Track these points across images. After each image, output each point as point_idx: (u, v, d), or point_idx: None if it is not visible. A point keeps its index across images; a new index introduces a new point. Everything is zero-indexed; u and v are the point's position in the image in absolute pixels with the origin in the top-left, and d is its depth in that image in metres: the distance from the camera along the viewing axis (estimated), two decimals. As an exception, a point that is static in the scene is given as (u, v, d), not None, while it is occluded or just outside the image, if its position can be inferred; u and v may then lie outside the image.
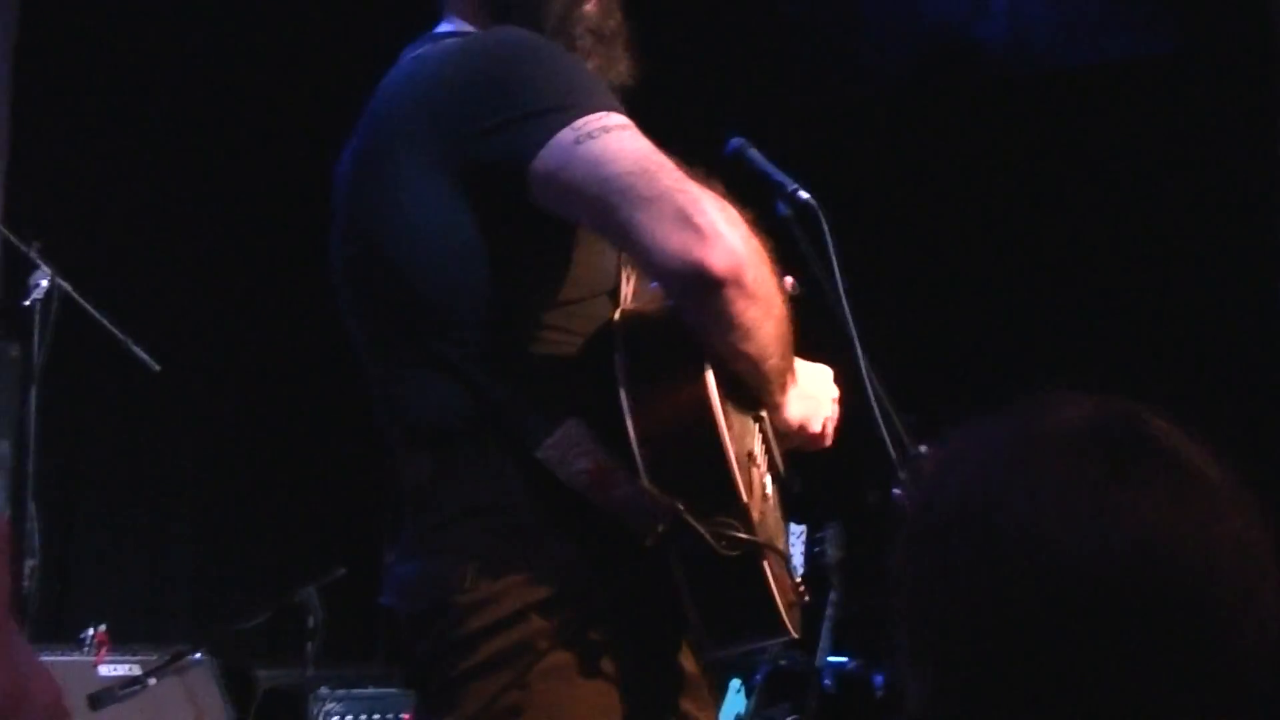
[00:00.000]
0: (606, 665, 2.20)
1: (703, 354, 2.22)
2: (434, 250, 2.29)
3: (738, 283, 2.14)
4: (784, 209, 3.37)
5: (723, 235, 2.12)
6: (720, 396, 2.21)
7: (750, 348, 2.23)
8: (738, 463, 2.20)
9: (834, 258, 3.40)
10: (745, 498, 2.17)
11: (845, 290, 3.43)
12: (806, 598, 2.37)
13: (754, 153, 3.46)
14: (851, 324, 3.34)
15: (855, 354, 3.31)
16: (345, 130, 2.56)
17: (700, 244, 2.11)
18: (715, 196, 2.19)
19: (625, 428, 2.17)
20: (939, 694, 1.16)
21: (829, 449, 2.70)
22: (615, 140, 2.18)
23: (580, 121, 2.18)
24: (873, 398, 3.27)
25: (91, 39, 6.51)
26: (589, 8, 2.49)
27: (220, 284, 7.12)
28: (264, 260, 7.15)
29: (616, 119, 2.22)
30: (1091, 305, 6.30)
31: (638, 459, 2.16)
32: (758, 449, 2.37)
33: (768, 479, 2.40)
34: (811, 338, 3.29)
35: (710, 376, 2.20)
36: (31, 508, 4.74)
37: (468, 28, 2.48)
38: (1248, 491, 1.17)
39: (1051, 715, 1.10)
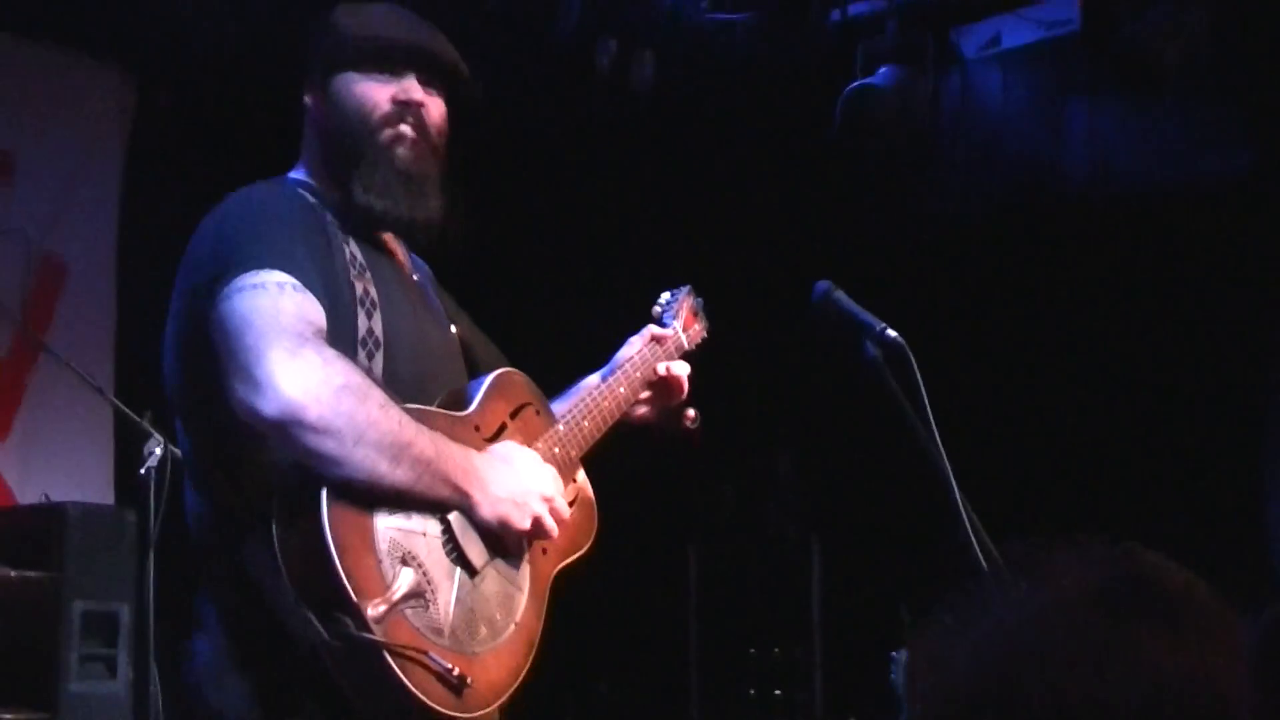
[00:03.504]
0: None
1: (321, 479, 2.51)
2: (184, 386, 2.76)
3: (298, 423, 2.47)
4: (872, 350, 3.43)
5: (276, 385, 2.47)
6: (356, 508, 2.52)
7: (350, 472, 2.51)
8: (364, 566, 2.49)
9: (924, 394, 3.46)
10: (355, 598, 2.44)
11: (936, 423, 3.49)
12: (469, 680, 2.58)
13: (840, 295, 3.53)
14: (945, 459, 3.39)
15: (950, 489, 3.35)
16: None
17: (254, 395, 2.47)
18: (301, 348, 2.52)
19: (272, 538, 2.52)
20: None
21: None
22: (240, 300, 2.56)
23: (236, 281, 2.58)
24: (970, 530, 3.31)
25: (196, 216, 6.68)
26: (400, 152, 2.87)
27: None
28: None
29: (261, 277, 2.59)
30: (1182, 428, 6.28)
31: (281, 563, 2.49)
32: (429, 550, 2.63)
33: (456, 573, 2.66)
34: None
35: (324, 498, 2.49)
36: (154, 671, 4.82)
37: (308, 177, 2.93)
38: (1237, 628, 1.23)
39: None
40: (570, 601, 6.44)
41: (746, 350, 6.27)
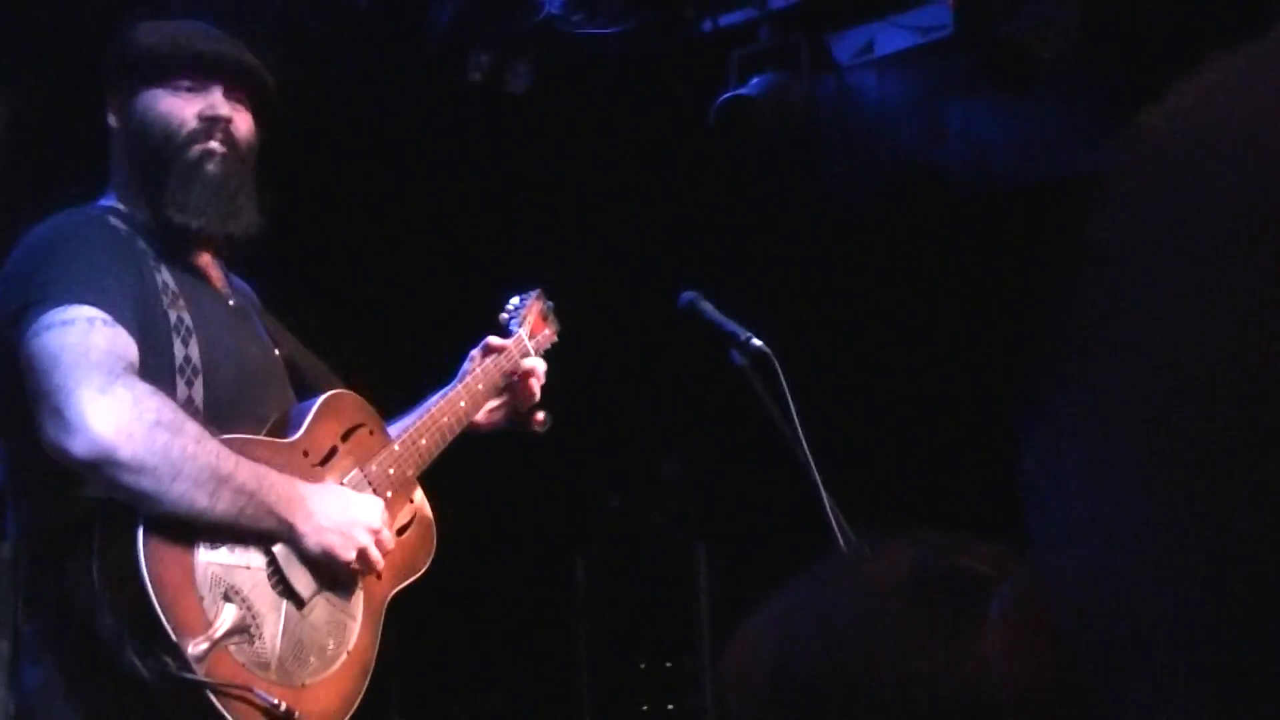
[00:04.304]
0: None
1: (136, 514, 2.49)
2: (13, 417, 2.67)
3: (111, 462, 2.45)
4: (738, 358, 3.45)
5: (87, 424, 2.44)
6: (174, 544, 2.51)
7: (168, 508, 2.49)
8: (183, 604, 2.48)
9: (789, 400, 3.47)
10: (174, 637, 2.43)
11: (806, 427, 3.50)
12: (296, 713, 2.58)
13: (705, 305, 3.55)
14: (811, 463, 3.41)
15: (819, 494, 3.37)
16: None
17: (64, 435, 2.44)
18: (112, 385, 2.49)
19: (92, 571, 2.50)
20: None
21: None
22: (50, 337, 2.53)
23: (45, 317, 2.54)
24: (837, 532, 3.32)
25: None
26: (210, 168, 2.83)
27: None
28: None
29: (70, 312, 2.55)
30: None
31: (101, 598, 2.47)
32: (253, 584, 2.62)
33: (283, 605, 2.66)
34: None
35: (139, 535, 2.47)
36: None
37: (119, 203, 2.88)
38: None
39: None
40: (458, 616, 6.39)
41: (626, 358, 6.27)
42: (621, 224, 6.53)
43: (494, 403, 3.35)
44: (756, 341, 3.47)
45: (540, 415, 3.42)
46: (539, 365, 3.39)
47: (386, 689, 7.02)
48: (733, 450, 6.48)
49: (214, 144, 2.86)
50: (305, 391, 3.02)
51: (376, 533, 2.80)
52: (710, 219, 6.49)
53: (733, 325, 3.53)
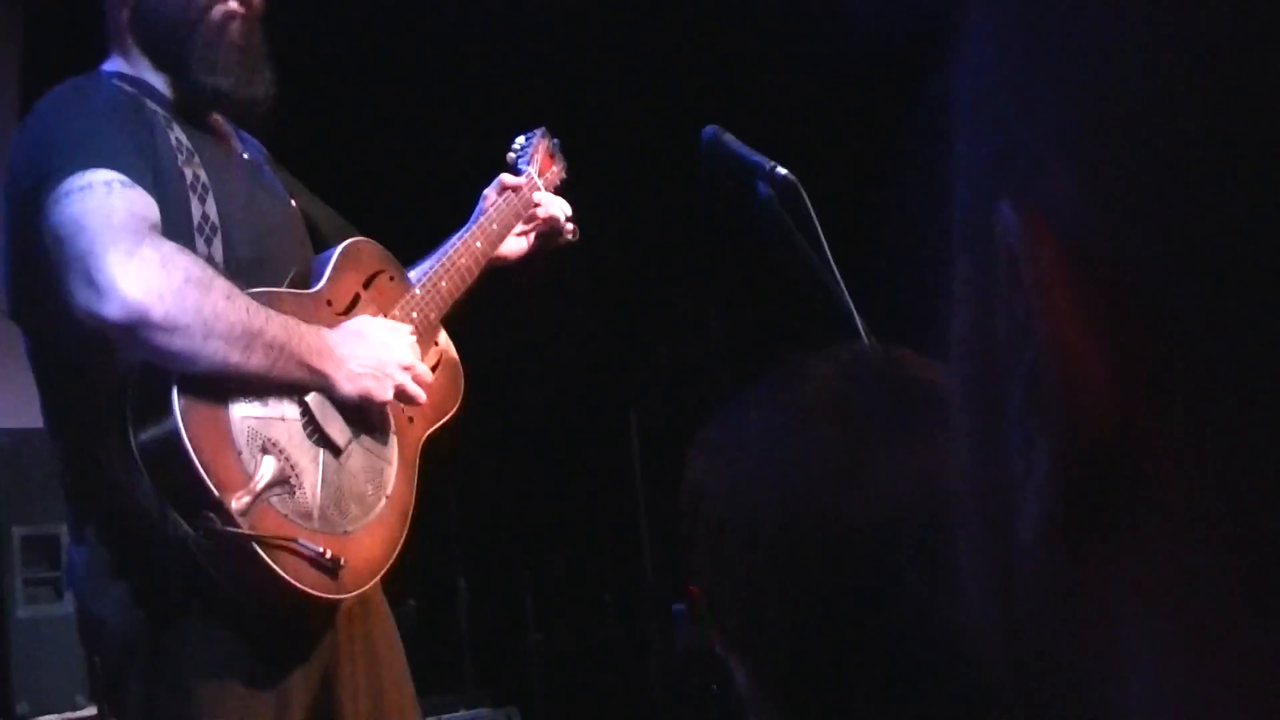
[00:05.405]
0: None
1: (169, 377, 2.49)
2: (20, 295, 2.70)
3: (145, 323, 2.43)
4: (765, 189, 3.43)
5: (117, 287, 2.41)
6: (209, 403, 2.51)
7: (203, 366, 2.50)
8: (223, 461, 2.49)
9: (819, 229, 3.45)
10: (217, 493, 2.45)
11: (835, 260, 3.48)
12: (343, 560, 2.60)
13: (729, 138, 3.52)
14: (845, 292, 3.39)
15: (854, 322, 3.35)
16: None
17: (96, 299, 2.42)
18: (138, 246, 2.47)
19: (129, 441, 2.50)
20: (759, 682, 1.14)
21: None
22: (69, 205, 2.49)
23: (62, 185, 2.51)
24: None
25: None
26: (234, 28, 2.83)
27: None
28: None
29: (86, 177, 2.52)
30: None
31: (140, 466, 2.48)
32: (289, 435, 2.63)
33: (320, 454, 2.67)
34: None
35: (174, 396, 2.47)
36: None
37: (125, 68, 2.84)
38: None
39: (863, 684, 1.08)
40: (519, 475, 6.42)
41: (662, 208, 6.24)
42: (641, 64, 6.48)
43: (517, 237, 3.36)
44: (782, 170, 3.44)
45: (569, 228, 3.43)
46: (554, 203, 3.39)
47: (451, 552, 7.10)
48: (773, 295, 6.47)
49: (233, 4, 2.85)
50: (321, 242, 3.01)
51: (410, 368, 2.82)
52: (729, 56, 6.42)
53: (757, 156, 3.50)
